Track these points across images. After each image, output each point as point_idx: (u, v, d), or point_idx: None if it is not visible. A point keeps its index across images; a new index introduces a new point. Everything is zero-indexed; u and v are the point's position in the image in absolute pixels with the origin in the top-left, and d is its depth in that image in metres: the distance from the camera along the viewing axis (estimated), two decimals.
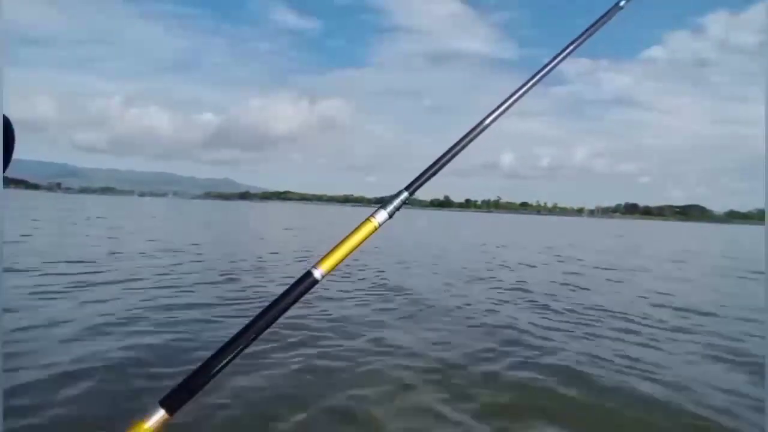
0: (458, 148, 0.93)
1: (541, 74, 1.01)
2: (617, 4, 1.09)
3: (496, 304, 6.97)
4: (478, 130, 0.95)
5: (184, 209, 55.38)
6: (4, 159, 0.81)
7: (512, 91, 0.99)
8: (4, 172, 0.82)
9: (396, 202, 0.87)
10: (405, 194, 0.88)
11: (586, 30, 1.06)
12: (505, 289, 8.21)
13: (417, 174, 0.91)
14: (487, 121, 0.95)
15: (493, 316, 6.18)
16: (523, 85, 1.00)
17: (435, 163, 0.92)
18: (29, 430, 2.76)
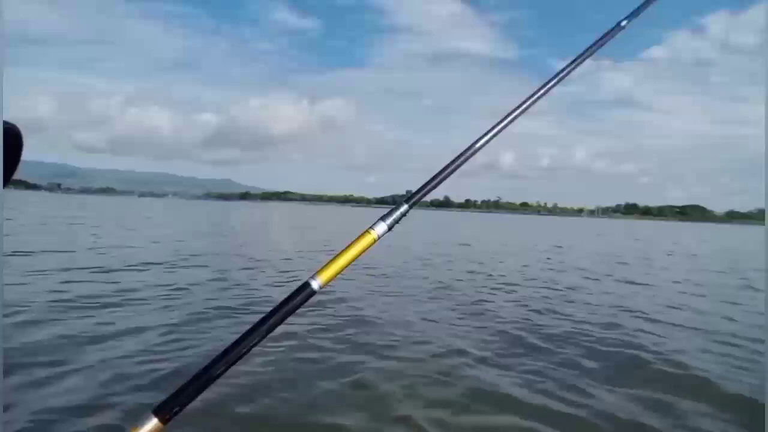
0: (458, 162, 0.93)
1: (545, 88, 1.01)
2: (619, 24, 1.09)
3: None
4: (475, 148, 0.95)
5: (183, 210, 55.36)
6: (12, 166, 0.82)
7: (517, 101, 0.99)
8: (12, 177, 0.82)
9: (396, 215, 0.87)
10: (405, 207, 0.88)
11: (586, 50, 1.05)
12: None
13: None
14: (482, 142, 0.95)
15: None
16: (523, 103, 0.99)
17: (434, 178, 0.92)
18: None
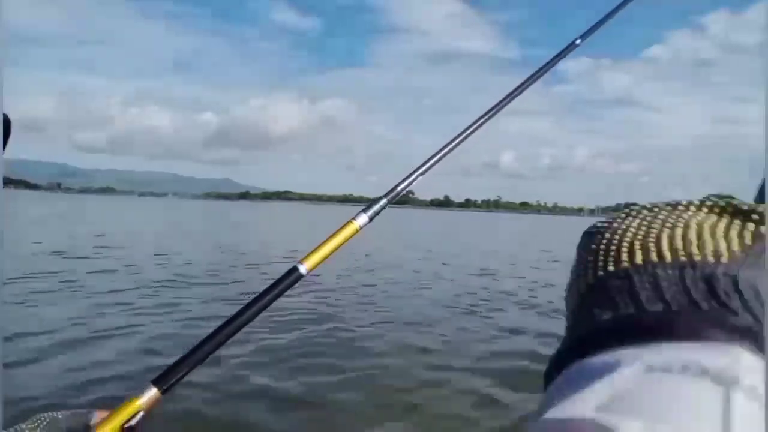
0: (431, 164, 0.99)
1: (505, 101, 1.05)
2: (573, 42, 1.15)
3: None
4: (443, 152, 1.01)
5: (184, 210, 55.33)
6: None
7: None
8: None
9: (376, 208, 0.94)
10: (384, 201, 0.94)
11: (543, 66, 1.10)
12: None
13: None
14: (449, 147, 1.00)
15: None
16: (486, 114, 1.04)
17: (409, 176, 0.99)
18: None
